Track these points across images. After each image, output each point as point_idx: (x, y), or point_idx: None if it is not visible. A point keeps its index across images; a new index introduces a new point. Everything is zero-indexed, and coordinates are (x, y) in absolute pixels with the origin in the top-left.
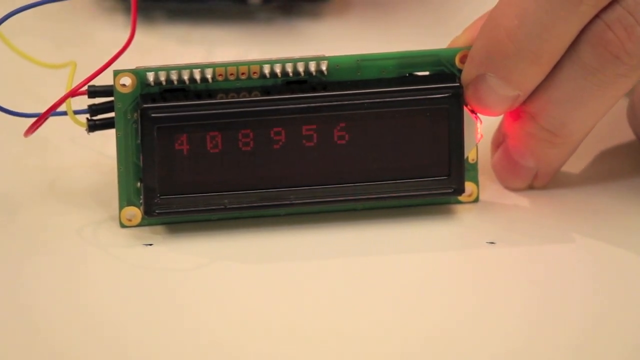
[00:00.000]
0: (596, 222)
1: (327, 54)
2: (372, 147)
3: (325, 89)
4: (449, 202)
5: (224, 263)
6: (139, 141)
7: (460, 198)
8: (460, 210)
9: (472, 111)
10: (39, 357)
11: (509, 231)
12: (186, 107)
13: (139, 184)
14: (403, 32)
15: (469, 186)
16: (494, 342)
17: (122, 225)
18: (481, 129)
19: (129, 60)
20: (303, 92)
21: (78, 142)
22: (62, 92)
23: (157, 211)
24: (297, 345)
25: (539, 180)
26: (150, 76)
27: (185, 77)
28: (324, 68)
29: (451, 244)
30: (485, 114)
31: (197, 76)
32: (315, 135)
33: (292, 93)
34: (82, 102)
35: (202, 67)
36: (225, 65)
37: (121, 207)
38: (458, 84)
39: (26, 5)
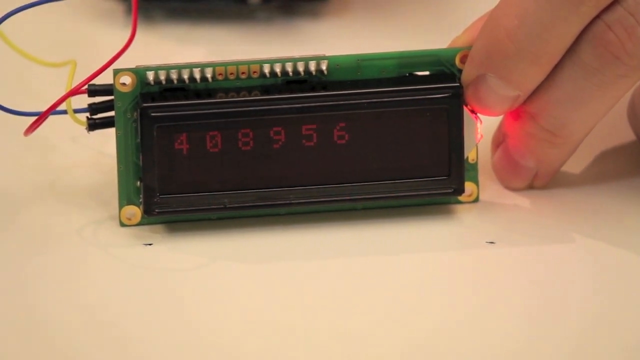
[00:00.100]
0: (596, 222)
1: (327, 54)
2: (372, 147)
3: (325, 88)
4: (448, 202)
5: (223, 262)
6: (138, 140)
7: (460, 198)
8: (460, 210)
9: (472, 111)
10: (39, 357)
11: (509, 231)
12: (186, 107)
13: (138, 183)
14: (403, 32)
15: (468, 186)
16: (494, 342)
17: (122, 225)
18: (481, 129)
19: (129, 60)
20: (303, 91)
21: (78, 141)
22: (62, 91)
23: (156, 210)
24: (297, 345)
25: (539, 180)
26: (150, 75)
27: (185, 76)
28: (324, 68)
29: (451, 244)
30: (485, 114)
31: (197, 75)
32: (315, 135)
33: (292, 93)
34: (82, 101)
35: (202, 66)
36: (225, 64)
37: (121, 206)
38: (458, 84)
39: (26, 5)
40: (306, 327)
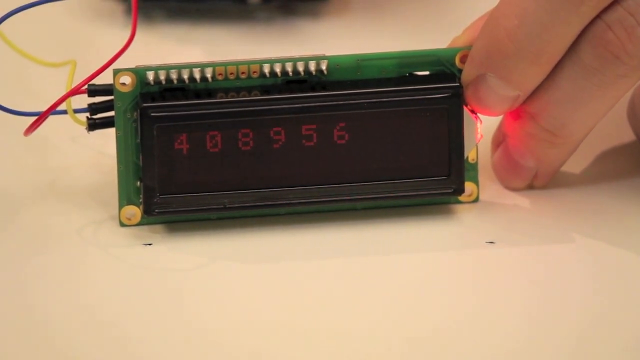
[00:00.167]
0: (596, 222)
1: (327, 54)
2: (372, 147)
3: (325, 88)
4: (448, 202)
5: (223, 262)
6: (138, 140)
7: (460, 198)
8: (460, 210)
9: (472, 111)
10: (39, 357)
11: (508, 231)
12: (186, 107)
13: (138, 183)
14: (403, 32)
15: (468, 186)
16: (494, 342)
17: (122, 225)
18: (481, 129)
19: (129, 60)
20: (303, 91)
21: (78, 141)
22: (62, 91)
23: (156, 210)
24: (297, 345)
25: (539, 180)
26: (150, 75)
27: (185, 76)
28: (323, 67)
29: (451, 244)
30: (485, 114)
31: (197, 75)
32: (315, 134)
33: (291, 92)
34: (82, 101)
35: (202, 66)
36: (225, 64)
37: (121, 206)
38: (458, 84)
39: (26, 5)
40: (306, 327)
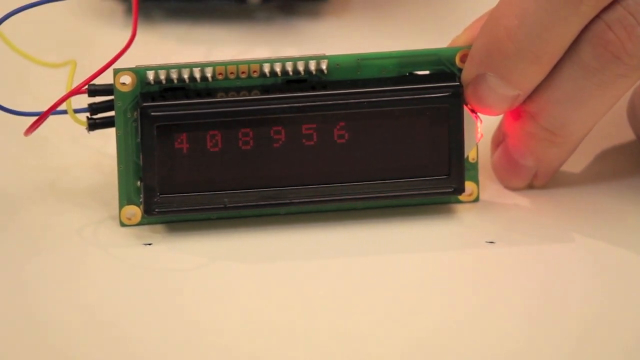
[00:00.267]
0: (596, 222)
1: (327, 53)
2: (372, 146)
3: (325, 88)
4: (449, 202)
5: (223, 262)
6: (138, 140)
7: (460, 197)
8: (460, 209)
9: (472, 110)
10: (39, 357)
11: (508, 231)
12: (186, 106)
13: (139, 182)
14: (403, 31)
15: (469, 185)
16: (494, 342)
17: (122, 224)
18: (481, 128)
19: (129, 59)
20: (303, 91)
21: (78, 142)
22: (62, 92)
23: (157, 210)
24: (297, 345)
25: (538, 179)
26: (150, 75)
27: (185, 75)
28: (324, 67)
29: (451, 244)
30: (485, 114)
31: (197, 75)
32: (315, 134)
33: (292, 92)
34: (82, 101)
35: (202, 65)
36: (225, 64)
37: (121, 206)
38: (458, 83)
39: (26, 5)
40: (306, 327)
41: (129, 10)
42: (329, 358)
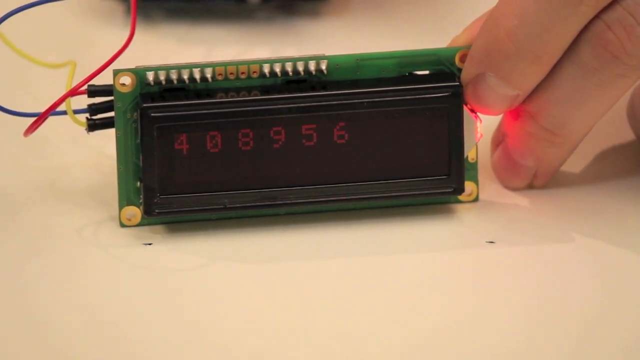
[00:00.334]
0: (596, 222)
1: (327, 53)
2: (371, 147)
3: (324, 88)
4: (448, 202)
5: (223, 263)
6: (138, 140)
7: (460, 197)
8: (460, 209)
9: (472, 110)
10: (39, 357)
11: (508, 231)
12: (186, 107)
13: (138, 183)
14: (403, 31)
15: (468, 185)
16: (494, 342)
17: (122, 225)
18: (481, 128)
19: (129, 60)
20: (303, 91)
21: (78, 142)
22: (62, 92)
23: (156, 211)
24: (297, 345)
25: (538, 179)
26: (150, 75)
27: (185, 76)
28: (323, 67)
29: (451, 244)
30: (485, 113)
31: (197, 75)
32: (314, 134)
33: (291, 92)
34: (82, 101)
35: (202, 66)
36: (225, 64)
37: (121, 207)
38: (458, 83)
39: (26, 5)
40: (306, 327)
41: (128, 10)
42: (329, 358)
